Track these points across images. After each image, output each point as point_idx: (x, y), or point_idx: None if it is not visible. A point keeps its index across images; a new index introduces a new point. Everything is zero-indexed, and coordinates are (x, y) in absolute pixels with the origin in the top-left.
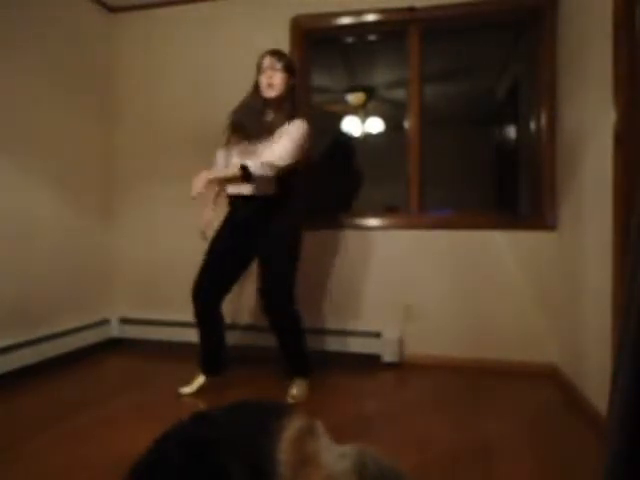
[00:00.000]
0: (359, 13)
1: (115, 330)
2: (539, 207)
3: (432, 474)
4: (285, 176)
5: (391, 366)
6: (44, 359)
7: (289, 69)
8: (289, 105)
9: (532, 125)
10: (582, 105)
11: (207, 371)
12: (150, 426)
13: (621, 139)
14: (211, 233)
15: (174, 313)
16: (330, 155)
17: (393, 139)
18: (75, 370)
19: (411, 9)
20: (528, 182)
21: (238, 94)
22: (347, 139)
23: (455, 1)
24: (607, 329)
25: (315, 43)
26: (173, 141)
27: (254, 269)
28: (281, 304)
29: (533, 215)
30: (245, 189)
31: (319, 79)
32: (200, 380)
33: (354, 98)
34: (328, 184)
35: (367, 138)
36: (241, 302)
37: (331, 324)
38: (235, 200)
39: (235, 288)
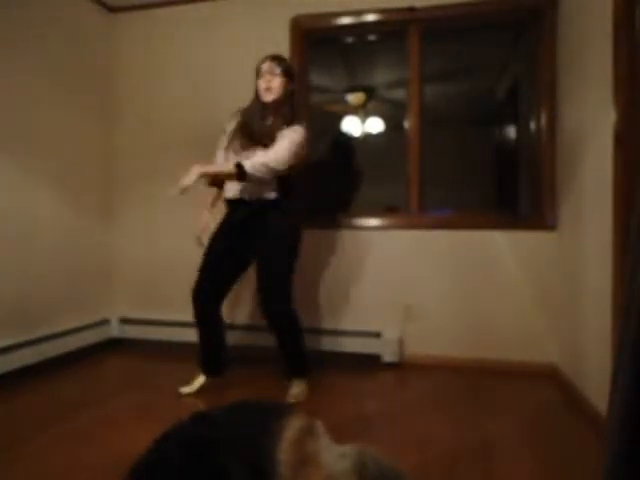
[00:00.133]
0: (359, 13)
1: (115, 330)
2: (539, 207)
3: (432, 474)
4: (283, 178)
5: (391, 366)
6: (44, 359)
7: (288, 74)
8: (288, 110)
9: (532, 125)
10: (582, 105)
11: (207, 371)
12: (150, 426)
13: (621, 139)
14: (207, 238)
15: (174, 313)
16: (329, 155)
17: (393, 139)
18: (75, 370)
19: (411, 9)
20: (528, 182)
21: (238, 94)
22: (346, 139)
23: (455, 1)
24: (607, 329)
25: (315, 43)
26: (173, 141)
27: (253, 269)
28: (279, 304)
29: (533, 215)
30: (244, 195)
31: (319, 79)
32: (200, 380)
33: (354, 98)
34: (327, 184)
35: (367, 138)
36: (240, 302)
37: (331, 324)
38: (233, 202)
39: (234, 288)
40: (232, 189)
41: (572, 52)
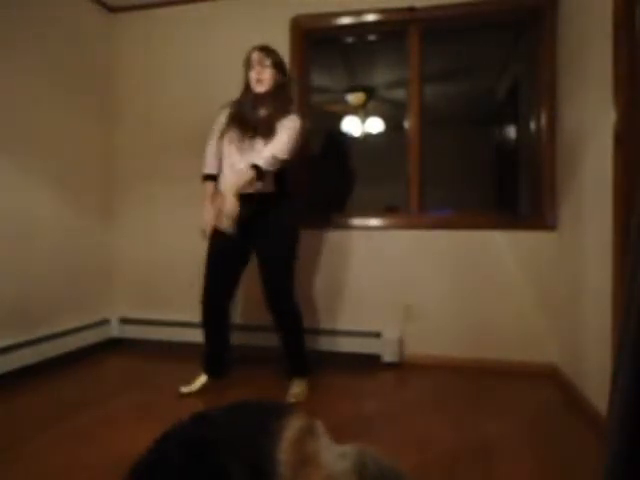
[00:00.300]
0: (359, 13)
1: (115, 330)
2: (539, 207)
3: (432, 474)
4: (281, 172)
5: (391, 366)
6: (44, 359)
7: (278, 66)
8: (282, 100)
9: (532, 125)
10: (582, 105)
11: (210, 372)
12: (150, 426)
13: (621, 139)
14: (209, 231)
15: (174, 313)
16: (323, 154)
17: (393, 139)
18: (75, 370)
19: (411, 9)
20: (528, 182)
21: (238, 94)
22: (340, 138)
23: (455, 1)
24: (607, 329)
25: (315, 43)
26: (173, 141)
27: (252, 269)
28: (286, 303)
29: (533, 215)
30: (252, 190)
31: (319, 79)
32: (202, 380)
33: (354, 98)
34: (321, 183)
35: (367, 138)
36: (241, 302)
37: (331, 324)
38: None
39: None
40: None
41: (572, 52)
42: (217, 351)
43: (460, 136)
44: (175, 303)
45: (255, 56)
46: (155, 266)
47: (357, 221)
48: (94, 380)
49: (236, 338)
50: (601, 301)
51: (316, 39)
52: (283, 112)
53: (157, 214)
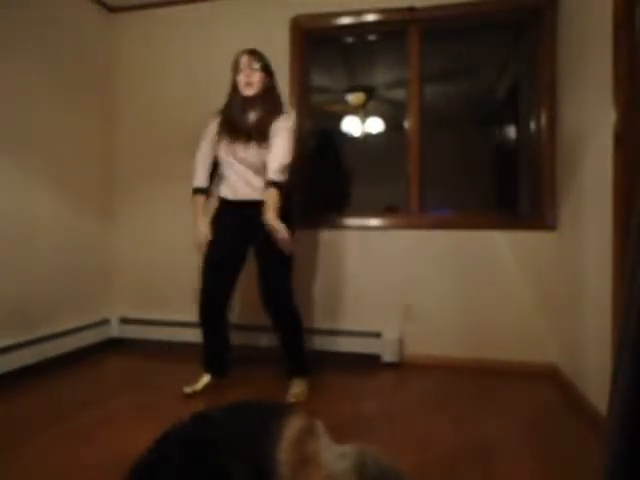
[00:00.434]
0: (359, 13)
1: (115, 330)
2: (539, 207)
3: (432, 474)
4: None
5: (391, 366)
6: (44, 359)
7: (266, 69)
8: (272, 102)
9: (532, 125)
10: (582, 105)
11: (212, 371)
12: (150, 426)
13: (621, 139)
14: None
15: (174, 313)
16: (318, 154)
17: (393, 139)
18: (75, 370)
19: (411, 9)
20: (528, 182)
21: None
22: (334, 137)
23: (455, 1)
24: (607, 329)
25: (315, 43)
26: (173, 141)
27: (252, 270)
28: (284, 303)
29: (533, 215)
30: (254, 195)
31: (319, 79)
32: (205, 379)
33: (354, 98)
34: (317, 182)
35: (367, 138)
36: (240, 302)
37: (331, 324)
38: (234, 204)
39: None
40: (231, 190)
41: (572, 52)
42: (217, 351)
43: (460, 136)
44: (175, 303)
45: (244, 59)
46: (155, 266)
47: (357, 221)
48: (94, 380)
49: (236, 338)
50: (601, 301)
51: (316, 39)
52: (274, 113)
53: (157, 214)
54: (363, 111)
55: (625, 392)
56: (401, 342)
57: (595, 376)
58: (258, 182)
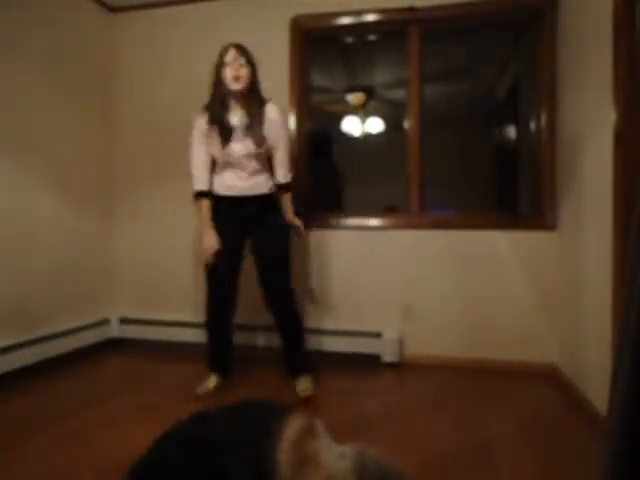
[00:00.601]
0: (359, 13)
1: (115, 330)
2: (539, 207)
3: (432, 474)
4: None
5: (391, 366)
6: (44, 359)
7: (252, 64)
8: (257, 96)
9: (532, 125)
10: (582, 105)
11: (219, 371)
12: (150, 426)
13: (621, 139)
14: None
15: (174, 313)
16: (314, 154)
17: (393, 139)
18: (75, 370)
19: (411, 9)
20: (528, 182)
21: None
22: (325, 137)
23: (455, 1)
24: (607, 329)
25: (315, 43)
26: (173, 141)
27: (253, 270)
28: (285, 301)
29: (533, 215)
30: (255, 190)
31: (319, 79)
32: (213, 380)
33: (354, 98)
34: (314, 182)
35: (367, 138)
36: (242, 303)
37: (331, 324)
38: (232, 201)
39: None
40: (227, 186)
41: (572, 52)
42: (222, 351)
43: (460, 136)
44: (175, 303)
45: (232, 53)
46: (155, 266)
47: (357, 221)
48: (94, 380)
49: (237, 338)
50: (601, 301)
51: (316, 39)
52: (262, 106)
53: (157, 214)
54: (363, 111)
55: (625, 392)
56: (401, 342)
57: (595, 376)
58: (254, 177)
